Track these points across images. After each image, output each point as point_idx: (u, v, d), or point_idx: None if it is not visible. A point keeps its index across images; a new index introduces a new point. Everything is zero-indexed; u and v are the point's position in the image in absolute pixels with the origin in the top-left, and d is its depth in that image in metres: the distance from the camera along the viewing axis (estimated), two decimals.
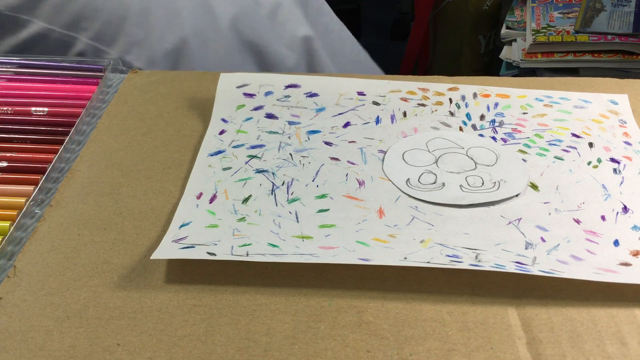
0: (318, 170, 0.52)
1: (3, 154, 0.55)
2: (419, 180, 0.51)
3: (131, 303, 0.42)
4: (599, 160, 0.53)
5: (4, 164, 0.55)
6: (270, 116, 0.58)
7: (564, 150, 0.54)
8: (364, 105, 0.60)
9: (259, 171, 0.52)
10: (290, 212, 0.48)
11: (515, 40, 1.13)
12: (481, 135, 0.56)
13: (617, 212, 0.48)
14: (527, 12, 1.16)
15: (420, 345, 0.39)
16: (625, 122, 0.58)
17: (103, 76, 0.65)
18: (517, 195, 0.50)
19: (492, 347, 0.39)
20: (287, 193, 0.50)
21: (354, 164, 0.53)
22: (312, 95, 0.61)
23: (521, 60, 1.08)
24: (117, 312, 0.41)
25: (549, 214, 0.48)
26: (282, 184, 0.51)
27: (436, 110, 0.59)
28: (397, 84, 0.62)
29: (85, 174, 0.53)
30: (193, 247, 0.44)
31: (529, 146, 0.55)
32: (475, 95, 0.61)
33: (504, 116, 0.58)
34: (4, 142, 0.57)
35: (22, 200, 0.50)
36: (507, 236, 0.46)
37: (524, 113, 0.59)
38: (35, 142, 0.57)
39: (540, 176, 0.52)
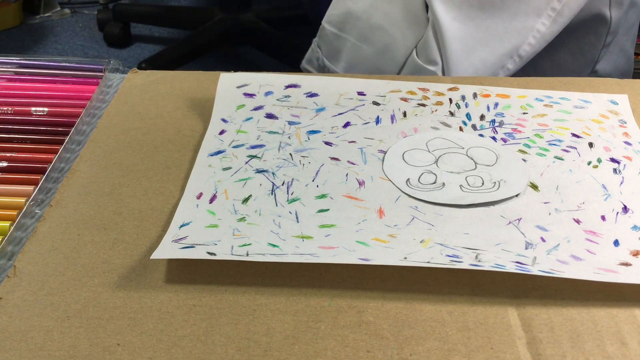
0: (318, 170, 0.52)
1: (3, 154, 0.55)
2: (419, 180, 0.51)
3: (131, 303, 0.42)
4: (599, 160, 0.53)
5: (4, 164, 0.55)
6: (270, 116, 0.58)
7: (564, 150, 0.54)
8: (364, 105, 0.60)
9: (259, 171, 0.52)
10: (290, 212, 0.48)
11: None
12: (481, 135, 0.56)
13: (617, 212, 0.48)
14: None
15: (420, 345, 0.39)
16: (625, 122, 0.58)
17: (103, 76, 0.65)
18: (517, 195, 0.50)
19: (492, 347, 0.39)
20: (287, 193, 0.50)
21: (354, 164, 0.53)
22: (312, 95, 0.61)
23: None
24: (117, 312, 0.41)
25: (549, 214, 0.48)
26: (282, 184, 0.51)
27: (436, 110, 0.59)
28: (397, 84, 0.62)
29: (85, 174, 0.53)
30: (193, 247, 0.44)
31: (529, 146, 0.55)
32: (475, 95, 0.61)
33: (504, 116, 0.58)
34: (4, 142, 0.57)
35: (22, 200, 0.50)
36: (507, 236, 0.46)
37: (524, 113, 0.59)
38: (35, 142, 0.57)
39: (540, 176, 0.52)
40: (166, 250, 0.44)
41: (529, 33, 0.73)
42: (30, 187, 0.52)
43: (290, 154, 0.54)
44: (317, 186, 0.50)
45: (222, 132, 0.56)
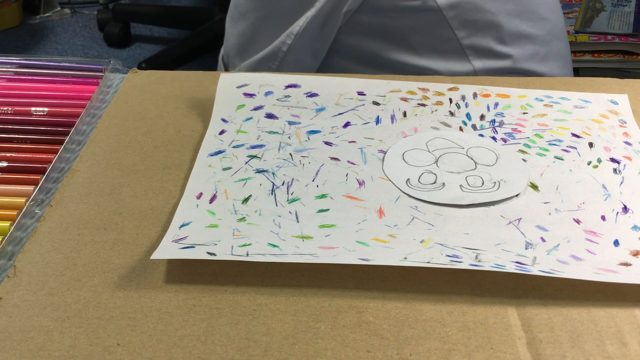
0: (318, 170, 0.52)
1: (3, 154, 0.55)
2: (419, 180, 0.51)
3: (131, 303, 0.42)
4: (599, 160, 0.53)
5: (4, 164, 0.55)
6: (270, 116, 0.58)
7: (564, 150, 0.54)
8: (364, 105, 0.60)
9: (259, 171, 0.52)
10: (290, 212, 0.48)
11: None
12: (481, 135, 0.56)
13: (617, 212, 0.48)
14: None
15: (420, 345, 0.39)
16: (625, 122, 0.58)
17: (103, 76, 0.65)
18: (517, 195, 0.50)
19: (492, 347, 0.39)
20: (287, 193, 0.50)
21: (354, 164, 0.53)
22: (312, 95, 0.61)
23: None
24: (117, 312, 0.41)
25: (549, 214, 0.48)
26: (282, 184, 0.51)
27: (436, 110, 0.59)
28: (397, 84, 0.62)
29: (85, 174, 0.53)
30: (193, 247, 0.44)
31: (529, 146, 0.55)
32: (475, 95, 0.61)
33: (504, 116, 0.58)
34: (4, 142, 0.57)
35: (22, 200, 0.50)
36: (507, 236, 0.46)
37: (524, 113, 0.59)
38: (35, 142, 0.57)
39: (540, 176, 0.52)
40: (166, 250, 0.44)
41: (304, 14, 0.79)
42: (30, 187, 0.52)
43: (290, 154, 0.54)
44: (317, 186, 0.50)
45: (222, 132, 0.56)
